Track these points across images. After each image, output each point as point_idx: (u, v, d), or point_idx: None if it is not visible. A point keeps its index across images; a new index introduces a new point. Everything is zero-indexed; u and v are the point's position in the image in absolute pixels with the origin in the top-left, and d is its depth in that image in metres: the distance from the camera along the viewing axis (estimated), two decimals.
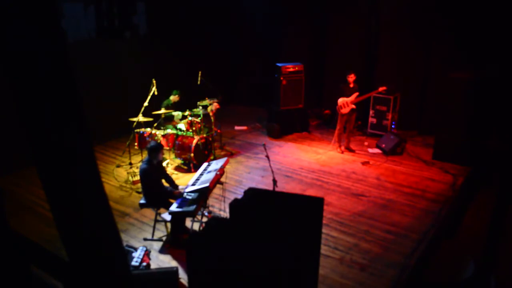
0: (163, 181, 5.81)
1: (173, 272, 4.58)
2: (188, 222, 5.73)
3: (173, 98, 8.22)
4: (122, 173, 7.66)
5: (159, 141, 7.76)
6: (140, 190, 6.91)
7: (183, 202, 5.23)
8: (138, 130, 7.69)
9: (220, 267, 3.41)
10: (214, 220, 4.19)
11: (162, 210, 5.80)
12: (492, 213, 4.02)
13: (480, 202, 6.27)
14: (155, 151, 5.55)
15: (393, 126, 9.33)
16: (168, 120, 8.24)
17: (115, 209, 6.36)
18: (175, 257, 5.24)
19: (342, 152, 8.63)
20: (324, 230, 5.43)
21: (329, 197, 6.73)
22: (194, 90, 8.38)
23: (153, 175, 5.56)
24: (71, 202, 2.04)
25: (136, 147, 7.80)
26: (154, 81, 7.72)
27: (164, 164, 7.31)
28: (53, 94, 1.89)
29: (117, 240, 2.32)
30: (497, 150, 7.12)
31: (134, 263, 4.72)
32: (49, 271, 2.82)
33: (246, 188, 3.88)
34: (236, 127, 10.25)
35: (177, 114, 8.17)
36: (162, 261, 5.18)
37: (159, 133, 7.83)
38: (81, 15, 8.31)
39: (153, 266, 4.97)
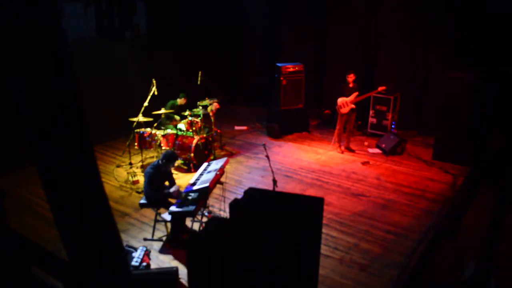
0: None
1: (173, 272, 4.58)
2: (188, 222, 5.74)
3: (180, 101, 8.28)
4: (122, 173, 7.66)
5: (159, 141, 7.76)
6: (140, 190, 6.92)
7: (183, 202, 5.23)
8: (138, 130, 7.69)
9: (220, 267, 3.41)
10: (214, 220, 4.19)
11: (162, 210, 5.80)
12: (492, 213, 4.02)
13: (480, 202, 6.27)
14: (169, 160, 5.51)
15: (393, 126, 9.34)
16: (169, 119, 8.25)
17: (115, 209, 6.36)
18: (175, 257, 5.24)
19: (342, 152, 8.63)
20: (324, 230, 5.43)
21: (329, 197, 6.73)
22: (194, 90, 8.39)
23: (158, 181, 5.57)
24: (71, 202, 2.04)
25: (136, 147, 7.80)
26: (154, 81, 7.72)
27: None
28: (53, 94, 1.89)
29: (117, 240, 2.32)
30: (496, 150, 7.12)
31: (134, 263, 4.72)
32: (49, 271, 2.82)
33: (246, 188, 3.88)
34: (236, 127, 10.25)
35: (179, 121, 8.21)
36: (162, 261, 5.18)
37: (159, 133, 7.83)
38: (81, 15, 8.31)
39: (153, 266, 4.97)
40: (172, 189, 5.47)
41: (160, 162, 5.55)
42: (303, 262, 3.30)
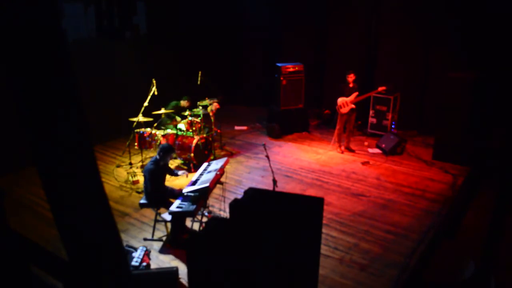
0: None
1: (173, 272, 4.58)
2: (188, 222, 5.74)
3: (183, 103, 8.29)
4: (122, 173, 7.66)
5: (159, 141, 7.76)
6: (140, 190, 6.92)
7: (183, 202, 5.24)
8: (138, 130, 7.69)
9: (220, 267, 3.41)
10: (214, 220, 4.19)
11: (162, 210, 5.80)
12: (492, 213, 4.02)
13: (480, 202, 6.27)
14: (166, 152, 5.60)
15: (393, 126, 9.34)
16: (170, 118, 8.25)
17: (115, 209, 6.36)
18: (175, 257, 5.24)
19: (342, 152, 8.63)
20: (324, 230, 5.43)
21: (329, 197, 6.73)
22: (194, 90, 8.39)
23: (158, 176, 5.59)
24: (71, 202, 2.04)
25: (136, 147, 7.80)
26: (154, 81, 7.72)
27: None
28: (53, 94, 1.89)
29: (117, 240, 2.32)
30: (496, 150, 7.13)
31: (134, 263, 4.72)
32: (49, 271, 2.82)
33: (246, 188, 3.88)
34: (236, 127, 10.25)
35: (179, 120, 8.23)
36: (162, 261, 5.18)
37: (159, 133, 7.83)
38: (81, 15, 8.31)
39: (153, 266, 4.97)
40: (180, 172, 5.91)
41: (158, 156, 5.59)
42: (303, 262, 3.30)
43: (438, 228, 5.89)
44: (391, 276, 4.89)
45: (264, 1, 11.00)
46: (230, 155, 8.52)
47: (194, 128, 7.84)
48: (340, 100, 8.31)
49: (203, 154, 7.82)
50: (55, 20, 1.88)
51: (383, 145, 8.65)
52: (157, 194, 5.53)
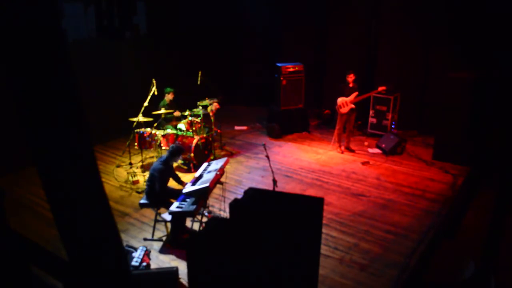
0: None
1: (173, 272, 4.58)
2: (188, 222, 5.74)
3: (168, 96, 8.16)
4: (122, 173, 7.66)
5: (159, 141, 7.76)
6: (140, 190, 6.92)
7: (183, 202, 5.24)
8: (138, 130, 7.69)
9: (220, 267, 3.41)
10: (214, 220, 4.18)
11: (162, 210, 5.80)
12: (492, 213, 4.01)
13: (480, 202, 6.27)
14: (178, 153, 5.73)
15: (393, 126, 9.34)
16: (168, 120, 8.23)
17: (115, 209, 6.36)
18: (175, 257, 5.24)
19: (342, 152, 8.63)
20: (324, 230, 5.43)
21: (329, 197, 6.73)
22: (194, 90, 8.38)
23: (166, 176, 5.64)
24: (71, 202, 2.04)
25: (136, 147, 7.80)
26: (154, 81, 7.71)
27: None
28: (53, 94, 1.89)
29: (117, 240, 2.32)
30: (496, 150, 7.12)
31: (134, 263, 4.72)
32: (49, 271, 2.82)
33: (246, 188, 3.88)
34: (236, 127, 10.25)
35: (177, 114, 8.18)
36: (162, 261, 5.18)
37: (159, 133, 7.82)
38: (81, 15, 8.32)
39: (153, 266, 4.97)
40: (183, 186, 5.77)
41: (167, 156, 5.67)
42: (303, 262, 3.30)
43: (438, 228, 5.89)
44: (391, 276, 4.89)
45: (264, 1, 11.00)
46: (230, 155, 8.52)
47: (194, 128, 7.84)
48: (340, 100, 8.31)
49: (203, 154, 7.82)
50: (55, 20, 1.88)
51: (383, 145, 8.65)
52: (160, 193, 5.54)
